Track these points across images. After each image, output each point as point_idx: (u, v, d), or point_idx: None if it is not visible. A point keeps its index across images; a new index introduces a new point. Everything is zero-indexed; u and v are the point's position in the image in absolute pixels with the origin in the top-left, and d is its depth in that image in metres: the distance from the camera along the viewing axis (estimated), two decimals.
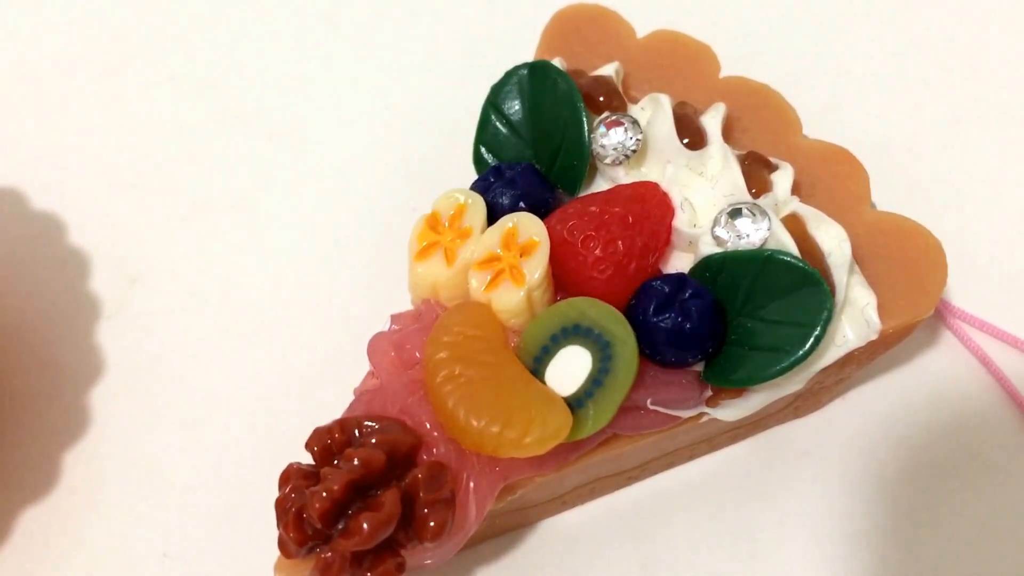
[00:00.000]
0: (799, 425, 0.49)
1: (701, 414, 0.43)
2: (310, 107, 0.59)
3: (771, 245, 0.43)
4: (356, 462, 0.39)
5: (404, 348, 0.43)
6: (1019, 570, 0.45)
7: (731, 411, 0.43)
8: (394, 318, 0.44)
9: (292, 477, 0.40)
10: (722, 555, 0.46)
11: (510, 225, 0.43)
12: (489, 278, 0.42)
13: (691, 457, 0.49)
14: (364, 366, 0.43)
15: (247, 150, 0.57)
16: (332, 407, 0.42)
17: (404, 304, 0.45)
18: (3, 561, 0.47)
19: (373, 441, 0.40)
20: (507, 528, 0.47)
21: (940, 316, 0.51)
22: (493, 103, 0.48)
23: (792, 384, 0.43)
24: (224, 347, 0.51)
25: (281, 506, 0.39)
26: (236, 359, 0.51)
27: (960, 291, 0.52)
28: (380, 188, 0.55)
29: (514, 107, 0.48)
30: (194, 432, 0.49)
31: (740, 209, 0.43)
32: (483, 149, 0.48)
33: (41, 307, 0.52)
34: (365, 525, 0.38)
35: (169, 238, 0.54)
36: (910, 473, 0.48)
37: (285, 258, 0.53)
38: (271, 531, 0.39)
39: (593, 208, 0.43)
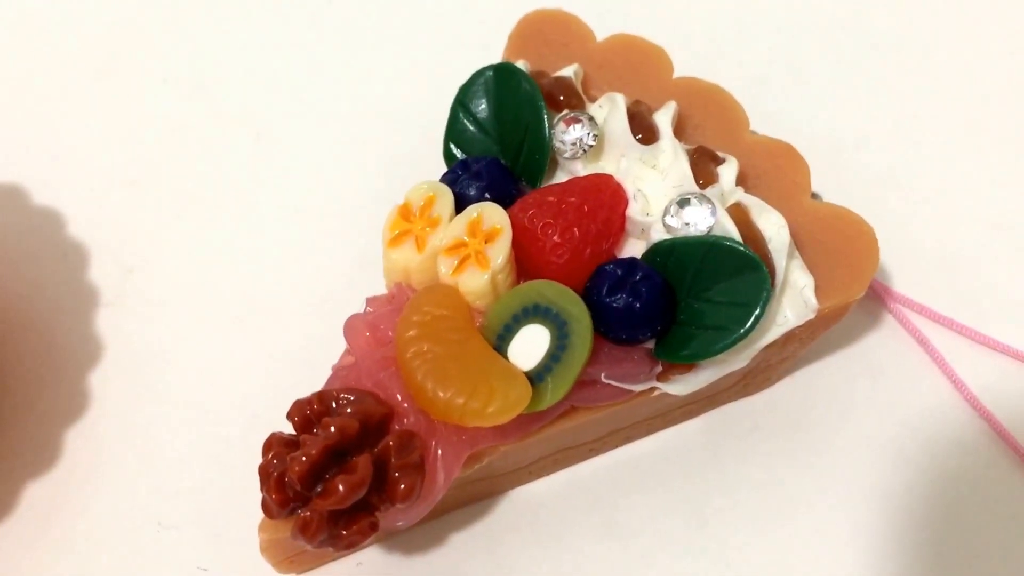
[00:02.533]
0: (749, 402, 0.53)
1: (653, 388, 0.46)
2: (294, 108, 0.62)
3: (716, 232, 0.46)
4: (332, 430, 0.42)
5: (378, 328, 0.46)
6: (947, 527, 0.49)
7: (681, 386, 0.46)
8: (369, 301, 0.47)
9: (274, 445, 0.43)
10: (678, 520, 0.49)
11: (475, 214, 0.46)
12: (456, 263, 0.46)
13: (649, 431, 0.52)
14: (342, 345, 0.46)
15: (235, 149, 0.60)
16: (312, 383, 0.45)
17: (379, 289, 0.48)
18: (7, 533, 0.49)
19: (348, 411, 0.43)
20: (477, 496, 0.50)
21: (881, 300, 0.55)
22: (461, 102, 0.51)
23: (738, 360, 0.47)
24: (213, 331, 0.54)
25: (264, 471, 0.43)
26: (224, 341, 0.54)
27: (900, 277, 0.55)
28: (357, 182, 0.59)
29: (481, 106, 0.51)
30: (185, 409, 0.52)
31: (688, 199, 0.47)
32: (452, 145, 0.51)
33: (43, 296, 0.55)
34: (341, 486, 0.41)
35: (163, 231, 0.57)
36: (851, 445, 0.51)
37: (270, 248, 0.57)
38: (256, 496, 0.42)
39: (551, 198, 0.46)
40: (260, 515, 0.44)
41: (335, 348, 0.46)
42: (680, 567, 0.48)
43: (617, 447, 0.51)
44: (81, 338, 0.54)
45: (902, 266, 0.55)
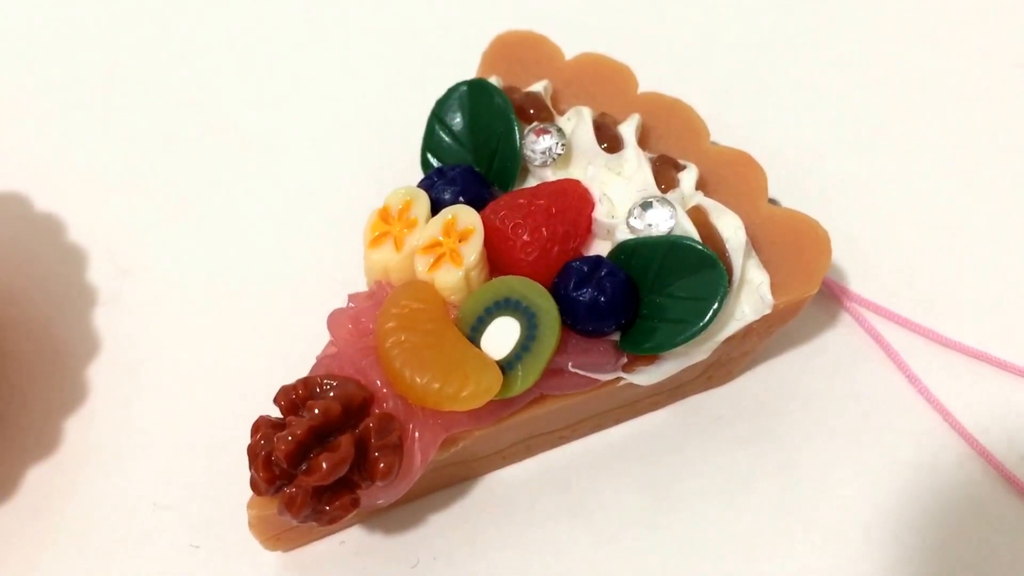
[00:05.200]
0: (713, 394, 0.56)
1: (619, 379, 0.49)
2: (280, 121, 0.65)
3: (677, 232, 0.49)
4: (316, 411, 0.45)
5: (360, 321, 0.49)
6: (899, 508, 0.52)
7: (645, 376, 0.50)
8: (351, 297, 0.50)
9: (262, 427, 0.46)
10: (644, 502, 0.52)
11: (449, 216, 0.49)
12: (432, 260, 0.49)
13: (617, 421, 0.55)
14: (325, 338, 0.49)
15: (224, 158, 0.63)
16: (297, 372, 0.48)
17: (361, 287, 0.51)
18: (8, 515, 0.52)
19: (331, 395, 0.46)
20: (454, 480, 0.53)
21: (838, 300, 0.58)
22: (437, 115, 0.55)
23: (699, 353, 0.50)
24: (203, 326, 0.57)
25: (252, 451, 0.46)
26: (213, 336, 0.56)
27: (856, 278, 0.59)
28: (339, 189, 0.62)
29: (456, 119, 0.54)
30: (178, 399, 0.55)
31: (651, 202, 0.50)
32: (429, 155, 0.54)
33: (44, 296, 0.58)
34: (324, 464, 0.44)
35: (156, 235, 0.60)
36: (810, 433, 0.54)
37: (257, 250, 0.60)
38: (245, 477, 0.45)
39: (521, 200, 0.50)
40: (249, 494, 0.46)
41: (319, 341, 0.49)
42: (644, 544, 0.51)
43: (587, 435, 0.54)
44: (79, 334, 0.57)
45: (857, 268, 0.58)
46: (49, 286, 0.59)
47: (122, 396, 0.55)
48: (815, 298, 0.55)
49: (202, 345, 0.56)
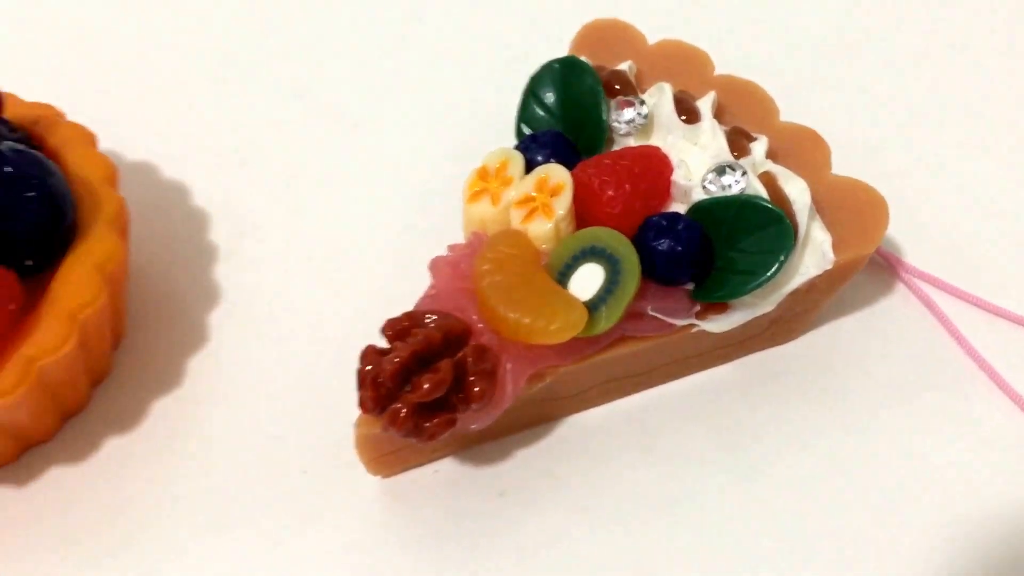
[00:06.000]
0: (775, 351, 0.60)
1: (692, 325, 0.54)
2: (389, 101, 0.71)
3: (748, 193, 0.54)
4: (420, 338, 0.50)
5: (458, 266, 0.54)
6: (949, 467, 0.56)
7: (715, 324, 0.54)
8: (450, 247, 0.55)
9: (370, 353, 0.51)
10: (709, 445, 0.56)
11: (543, 173, 0.55)
12: (525, 213, 0.53)
13: (687, 371, 0.59)
14: (426, 285, 0.54)
15: (335, 135, 0.69)
16: (401, 311, 0.53)
17: (459, 240, 0.56)
18: (137, 443, 0.57)
19: (432, 326, 0.51)
20: (537, 420, 0.57)
21: (893, 270, 0.62)
22: (531, 89, 0.60)
23: (765, 304, 0.54)
24: (313, 278, 0.62)
25: (361, 373, 0.50)
26: (323, 285, 0.61)
27: (910, 250, 0.63)
28: (440, 157, 0.67)
29: (548, 92, 0.60)
30: (290, 340, 0.60)
31: (725, 167, 0.55)
32: (523, 125, 0.60)
33: (171, 255, 0.63)
34: (426, 384, 0.49)
35: (271, 202, 0.66)
36: (867, 390, 0.58)
37: (363, 210, 0.65)
38: (352, 409, 0.50)
39: (607, 161, 0.55)
40: (354, 423, 0.52)
41: (421, 288, 0.54)
42: (711, 483, 0.55)
43: (660, 384, 0.59)
44: (203, 286, 0.62)
45: (911, 241, 0.63)
46: (175, 246, 0.64)
47: (239, 339, 0.60)
48: (871, 269, 0.59)
49: (312, 294, 0.62)
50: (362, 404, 0.50)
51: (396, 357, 0.49)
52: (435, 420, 0.50)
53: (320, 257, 0.64)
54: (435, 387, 0.49)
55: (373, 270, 0.62)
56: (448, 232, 0.58)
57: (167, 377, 0.60)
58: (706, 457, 0.56)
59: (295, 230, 0.65)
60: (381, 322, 0.52)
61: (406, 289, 0.54)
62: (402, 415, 0.49)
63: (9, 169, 0.52)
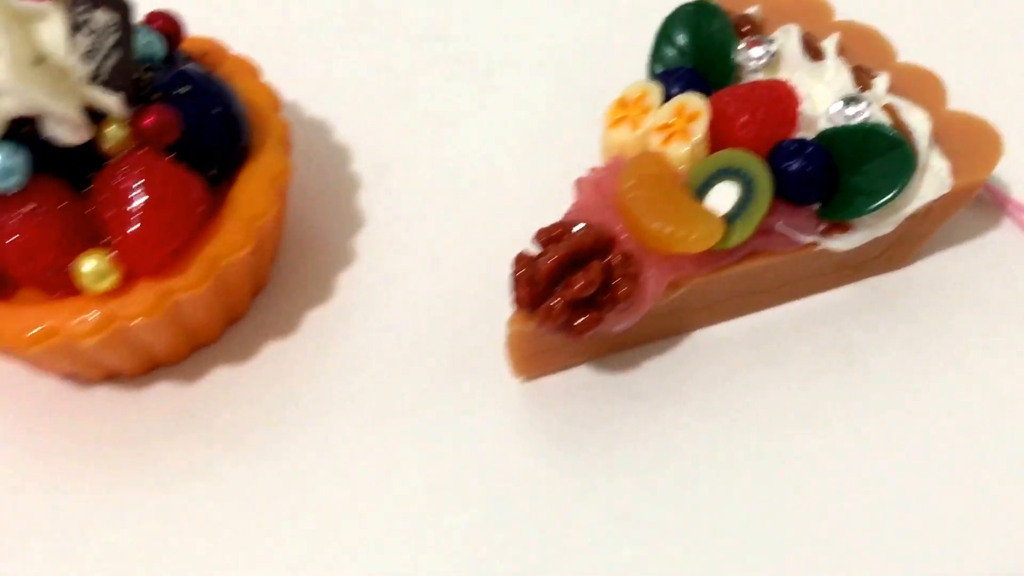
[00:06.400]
0: (890, 276, 0.63)
1: (815, 243, 0.58)
2: (526, 47, 0.76)
3: (871, 122, 0.58)
4: (572, 240, 0.55)
5: (601, 184, 0.58)
6: None
7: (838, 242, 0.58)
8: (592, 169, 0.60)
9: (523, 258, 0.55)
10: (830, 361, 0.60)
11: (680, 101, 0.59)
12: (664, 137, 0.58)
13: (807, 291, 0.63)
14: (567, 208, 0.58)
15: (473, 75, 0.73)
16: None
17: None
18: (293, 349, 0.62)
19: (581, 232, 0.56)
20: (668, 332, 0.62)
21: (1002, 207, 0.65)
22: (664, 31, 0.64)
23: (885, 225, 0.58)
24: (459, 200, 0.66)
25: (516, 275, 0.55)
26: (468, 207, 0.66)
27: (1021, 190, 0.67)
28: (578, 96, 0.72)
29: (680, 34, 0.63)
30: (438, 257, 0.64)
31: (849, 99, 0.59)
32: (656, 65, 0.65)
33: (322, 182, 0.68)
34: (578, 281, 0.54)
35: (412, 139, 0.70)
36: (968, 319, 0.62)
37: (503, 148, 0.69)
38: (497, 314, 0.56)
39: (740, 91, 0.59)
40: (500, 328, 0.57)
41: (562, 209, 0.59)
42: (830, 393, 0.59)
43: (782, 303, 0.63)
44: (351, 210, 0.67)
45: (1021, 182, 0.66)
46: (324, 173, 0.69)
47: (387, 257, 0.65)
48: (981, 205, 0.63)
49: (457, 215, 0.66)
50: (519, 301, 0.54)
51: (552, 256, 0.53)
52: (584, 318, 0.54)
53: (464, 185, 0.68)
54: (587, 284, 0.53)
55: (513, 196, 0.67)
56: (582, 166, 0.62)
57: (320, 291, 0.64)
58: (826, 372, 0.60)
59: (439, 160, 0.69)
60: (524, 241, 0.57)
61: (548, 212, 0.59)
62: (556, 310, 0.53)
63: (198, 86, 0.57)
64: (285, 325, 0.63)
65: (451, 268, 0.64)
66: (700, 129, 0.57)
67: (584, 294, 0.53)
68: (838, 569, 0.54)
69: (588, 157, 0.62)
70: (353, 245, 0.66)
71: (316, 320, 0.64)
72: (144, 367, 0.61)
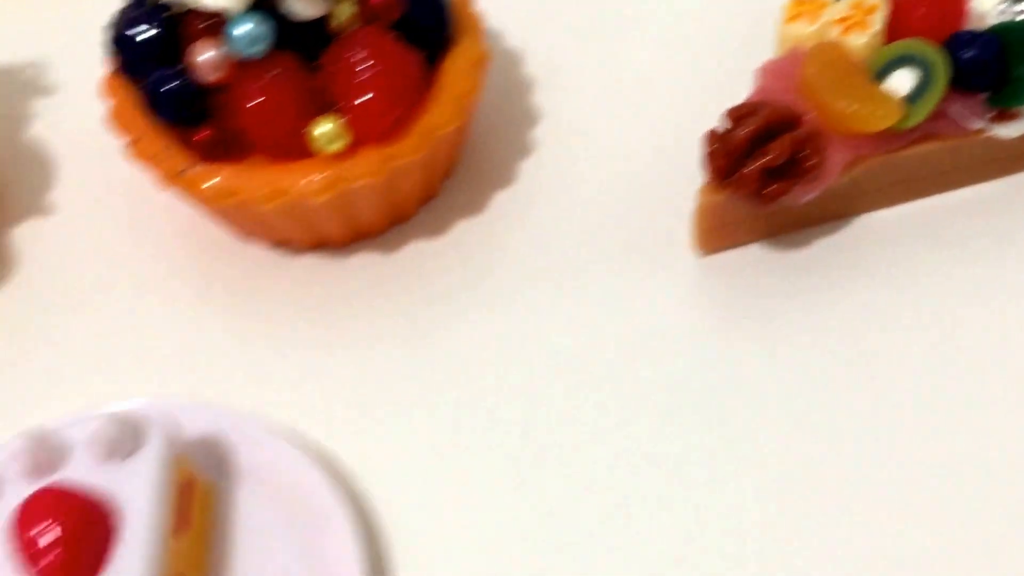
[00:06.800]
0: None
1: (983, 130, 0.62)
2: None
3: None
4: (764, 113, 0.59)
5: (783, 71, 0.63)
6: None
7: (1006, 129, 0.62)
8: (768, 61, 0.65)
9: (714, 134, 0.60)
10: (990, 248, 0.65)
11: None
12: (843, 28, 0.63)
13: (970, 180, 0.67)
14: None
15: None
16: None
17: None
18: (482, 228, 0.67)
19: (769, 109, 0.61)
20: (837, 214, 0.66)
21: None
22: None
23: None
24: (632, 101, 0.71)
25: (708, 149, 0.60)
26: (643, 103, 0.70)
27: None
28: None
29: None
30: (616, 146, 0.68)
31: None
32: None
33: (498, 86, 0.72)
34: (770, 151, 0.58)
35: (584, 42, 0.75)
36: None
37: (680, 39, 0.74)
38: (678, 194, 0.62)
39: None
40: (679, 207, 0.63)
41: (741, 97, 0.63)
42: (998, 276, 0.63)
43: (944, 190, 0.67)
44: (530, 105, 0.72)
45: None
46: (497, 76, 0.73)
47: (566, 147, 0.69)
48: None
49: (632, 111, 0.70)
50: (714, 171, 0.59)
51: (747, 128, 0.58)
52: (772, 187, 0.59)
53: (639, 79, 0.72)
54: (780, 154, 0.58)
55: (687, 88, 0.71)
56: (756, 61, 0.66)
57: (505, 176, 0.69)
58: (994, 257, 0.64)
59: (611, 58, 0.74)
60: (699, 128, 0.61)
61: (723, 102, 0.62)
62: (750, 178, 0.58)
63: None
64: (473, 207, 0.68)
65: (629, 156, 0.68)
66: (879, 20, 0.61)
67: (778, 163, 0.58)
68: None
69: (761, 51, 0.66)
70: (535, 135, 0.70)
71: (502, 202, 0.68)
72: (350, 236, 0.66)
